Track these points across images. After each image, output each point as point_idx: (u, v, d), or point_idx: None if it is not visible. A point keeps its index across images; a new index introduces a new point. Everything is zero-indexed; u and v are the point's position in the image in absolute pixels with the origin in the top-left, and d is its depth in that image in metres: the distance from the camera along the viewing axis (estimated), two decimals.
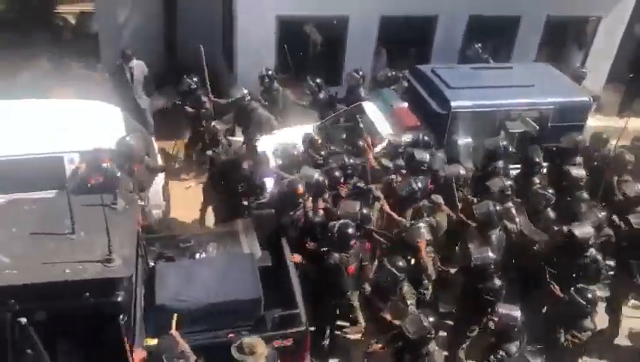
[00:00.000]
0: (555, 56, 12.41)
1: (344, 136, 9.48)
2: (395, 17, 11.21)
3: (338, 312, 7.13)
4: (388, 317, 6.13)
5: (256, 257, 6.53)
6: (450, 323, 7.32)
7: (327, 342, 7.09)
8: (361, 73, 10.32)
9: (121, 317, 5.01)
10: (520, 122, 9.33)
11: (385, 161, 8.38)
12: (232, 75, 11.43)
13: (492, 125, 9.19)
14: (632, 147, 9.31)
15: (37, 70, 12.78)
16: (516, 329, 5.89)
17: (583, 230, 6.90)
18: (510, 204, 7.63)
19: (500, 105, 9.31)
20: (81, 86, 10.99)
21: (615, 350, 7.84)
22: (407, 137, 8.83)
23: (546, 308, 7.12)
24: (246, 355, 5.03)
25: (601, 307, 7.60)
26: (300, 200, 7.05)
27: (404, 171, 8.02)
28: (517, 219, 7.55)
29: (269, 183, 8.03)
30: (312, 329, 6.18)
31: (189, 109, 9.92)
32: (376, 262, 7.12)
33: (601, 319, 7.32)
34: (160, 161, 8.87)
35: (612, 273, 7.75)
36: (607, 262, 7.57)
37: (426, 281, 6.81)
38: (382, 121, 9.52)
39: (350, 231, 6.57)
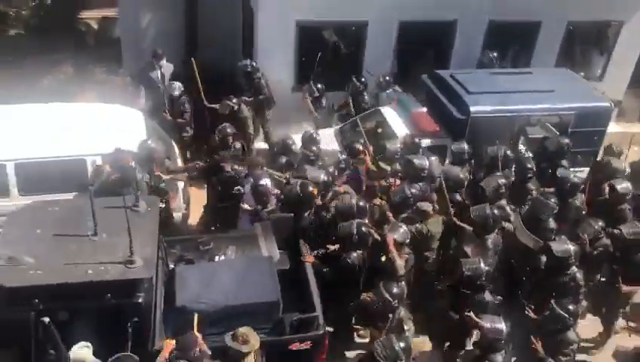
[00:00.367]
0: (575, 62, 12.32)
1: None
2: (414, 22, 11.20)
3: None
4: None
5: (274, 260, 6.57)
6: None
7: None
8: (363, 80, 10.54)
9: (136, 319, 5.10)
10: (540, 128, 9.28)
11: (383, 165, 8.39)
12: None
13: (511, 130, 9.16)
14: None
15: (61, 75, 13.02)
16: (502, 342, 5.84)
17: (562, 247, 6.75)
18: (504, 202, 7.62)
19: (520, 111, 9.29)
20: (103, 90, 11.16)
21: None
22: (425, 141, 8.86)
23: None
24: (239, 344, 5.09)
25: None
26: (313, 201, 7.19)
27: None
28: (512, 218, 7.54)
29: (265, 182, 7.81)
30: (330, 329, 6.19)
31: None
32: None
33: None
34: (180, 164, 8.96)
35: (603, 280, 7.65)
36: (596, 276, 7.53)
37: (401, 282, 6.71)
38: (400, 125, 9.53)
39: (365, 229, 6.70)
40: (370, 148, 8.58)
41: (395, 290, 6.13)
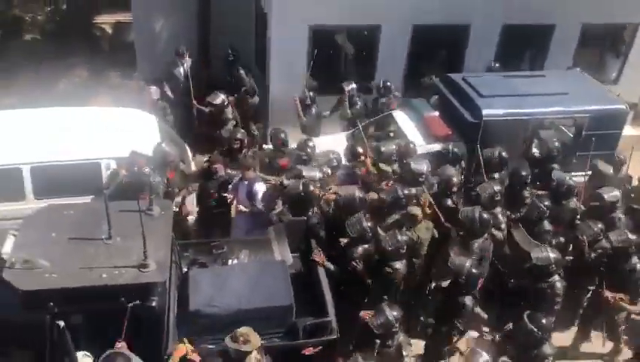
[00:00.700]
0: (590, 65, 12.22)
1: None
2: (427, 26, 11.18)
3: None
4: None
5: (287, 264, 6.57)
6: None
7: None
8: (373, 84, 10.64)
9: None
10: (554, 131, 9.21)
11: (383, 166, 8.37)
12: (265, 82, 11.53)
13: (525, 134, 9.11)
14: None
15: (76, 79, 13.15)
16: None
17: (542, 255, 6.65)
18: (499, 210, 7.56)
19: (534, 114, 9.23)
20: (118, 94, 11.27)
21: None
22: (436, 146, 8.85)
23: None
24: (240, 344, 5.09)
25: None
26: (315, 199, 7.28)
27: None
28: (503, 226, 7.50)
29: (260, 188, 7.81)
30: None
31: (201, 107, 10.14)
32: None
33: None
34: (194, 168, 9.00)
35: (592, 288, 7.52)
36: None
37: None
38: (413, 130, 9.50)
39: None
40: (370, 152, 8.57)
41: (395, 313, 5.92)
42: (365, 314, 6.09)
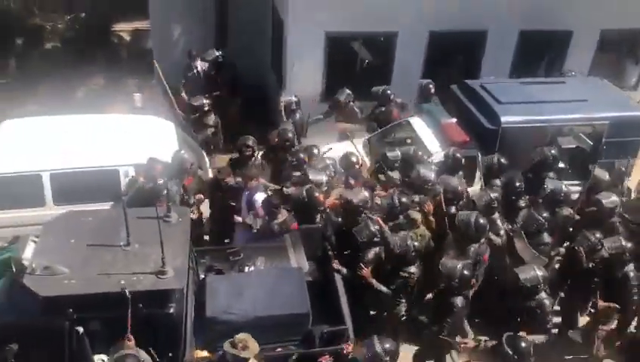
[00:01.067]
0: (609, 71, 12.10)
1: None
2: (444, 32, 11.16)
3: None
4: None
5: (304, 271, 6.56)
6: None
7: None
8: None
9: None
10: (573, 138, 9.13)
11: (382, 177, 8.33)
12: (281, 88, 11.57)
13: (544, 141, 9.03)
14: None
15: (94, 86, 13.29)
16: None
17: (529, 275, 6.47)
18: (497, 216, 7.49)
19: (552, 121, 9.16)
20: (136, 102, 11.39)
21: None
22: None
23: None
24: (239, 350, 5.07)
25: None
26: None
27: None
28: (502, 232, 7.43)
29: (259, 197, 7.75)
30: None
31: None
32: None
33: None
34: (211, 174, 9.04)
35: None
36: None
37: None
38: (430, 136, 9.46)
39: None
40: (367, 161, 8.50)
41: (388, 345, 5.56)
42: (348, 347, 5.76)
